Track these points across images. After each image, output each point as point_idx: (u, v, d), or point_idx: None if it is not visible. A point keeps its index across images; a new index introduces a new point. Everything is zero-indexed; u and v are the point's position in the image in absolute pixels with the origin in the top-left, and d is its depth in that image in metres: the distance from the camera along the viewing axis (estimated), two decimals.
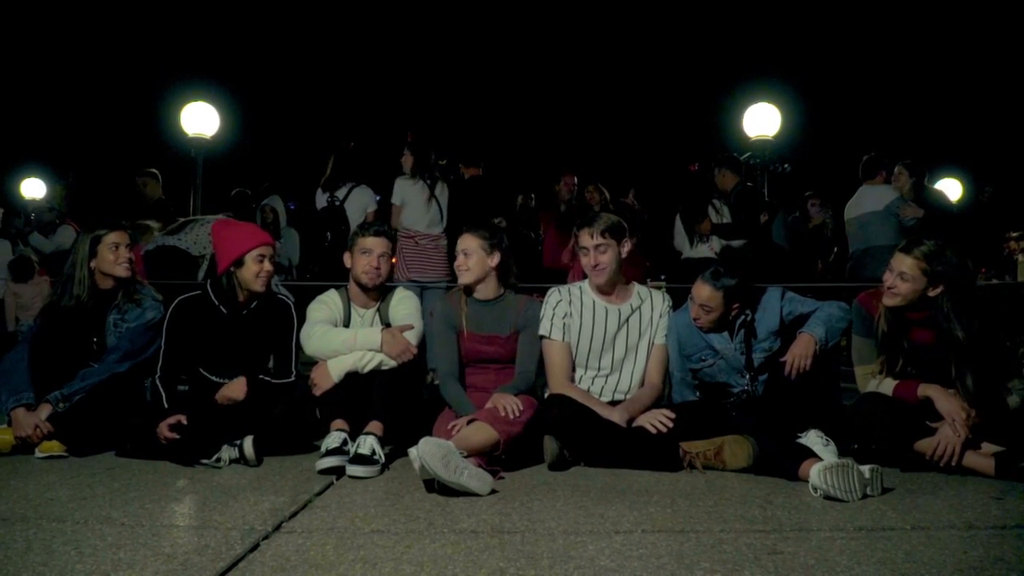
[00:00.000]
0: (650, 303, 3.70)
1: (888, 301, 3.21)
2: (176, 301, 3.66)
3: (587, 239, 3.57)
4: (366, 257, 3.60)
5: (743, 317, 3.51)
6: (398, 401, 3.28)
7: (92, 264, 3.70)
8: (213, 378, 3.57)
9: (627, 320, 3.65)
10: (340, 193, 6.48)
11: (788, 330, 3.48)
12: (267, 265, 3.59)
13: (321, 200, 6.59)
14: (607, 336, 3.62)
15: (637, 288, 3.74)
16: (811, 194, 8.03)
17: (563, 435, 3.19)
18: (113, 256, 3.69)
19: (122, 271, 3.71)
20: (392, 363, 3.38)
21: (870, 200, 6.21)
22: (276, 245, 3.74)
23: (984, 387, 3.08)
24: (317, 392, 3.39)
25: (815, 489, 2.59)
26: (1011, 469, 2.83)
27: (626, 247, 3.62)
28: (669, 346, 3.66)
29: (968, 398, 3.05)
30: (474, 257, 3.60)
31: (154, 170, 6.94)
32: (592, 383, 3.59)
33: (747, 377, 3.49)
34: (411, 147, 6.26)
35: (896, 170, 6.58)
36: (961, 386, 3.08)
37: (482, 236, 3.62)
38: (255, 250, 3.58)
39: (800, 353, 3.28)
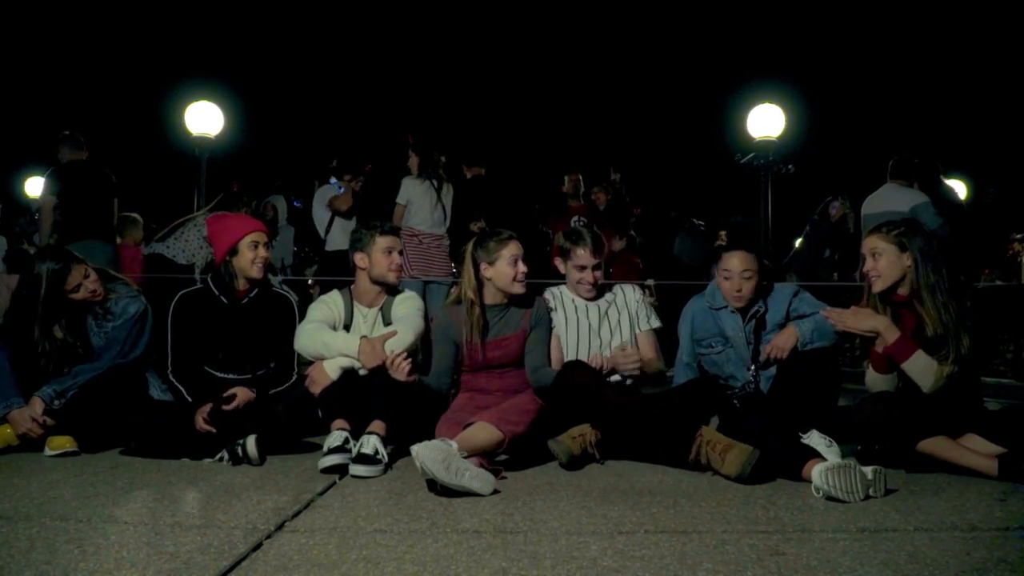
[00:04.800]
0: (623, 295, 3.86)
1: (876, 287, 3.16)
2: (178, 295, 3.73)
3: (587, 258, 3.70)
4: (387, 256, 3.65)
5: (757, 308, 3.55)
6: (400, 400, 3.28)
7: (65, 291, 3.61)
8: (218, 374, 3.60)
9: (606, 313, 3.78)
10: None
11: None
12: (261, 251, 3.68)
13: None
14: (591, 329, 3.73)
15: (620, 287, 3.92)
16: (830, 198, 8.02)
17: (581, 398, 3.20)
18: (80, 295, 3.63)
19: (98, 298, 3.68)
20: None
21: (895, 199, 6.08)
22: (267, 239, 3.80)
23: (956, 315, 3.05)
24: (315, 389, 3.41)
25: (817, 490, 2.59)
26: (1014, 471, 2.83)
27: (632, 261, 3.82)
28: (681, 331, 3.78)
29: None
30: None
31: None
32: None
33: (751, 369, 3.50)
34: (415, 148, 6.29)
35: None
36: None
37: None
38: (247, 237, 3.68)
39: (778, 344, 3.39)
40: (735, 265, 3.56)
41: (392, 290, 3.78)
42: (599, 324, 3.75)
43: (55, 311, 3.58)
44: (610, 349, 3.67)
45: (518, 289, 3.56)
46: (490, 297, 3.60)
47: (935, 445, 2.94)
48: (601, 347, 3.69)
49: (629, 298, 3.84)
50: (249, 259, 3.67)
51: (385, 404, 3.22)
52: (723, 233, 8.12)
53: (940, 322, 3.05)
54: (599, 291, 3.84)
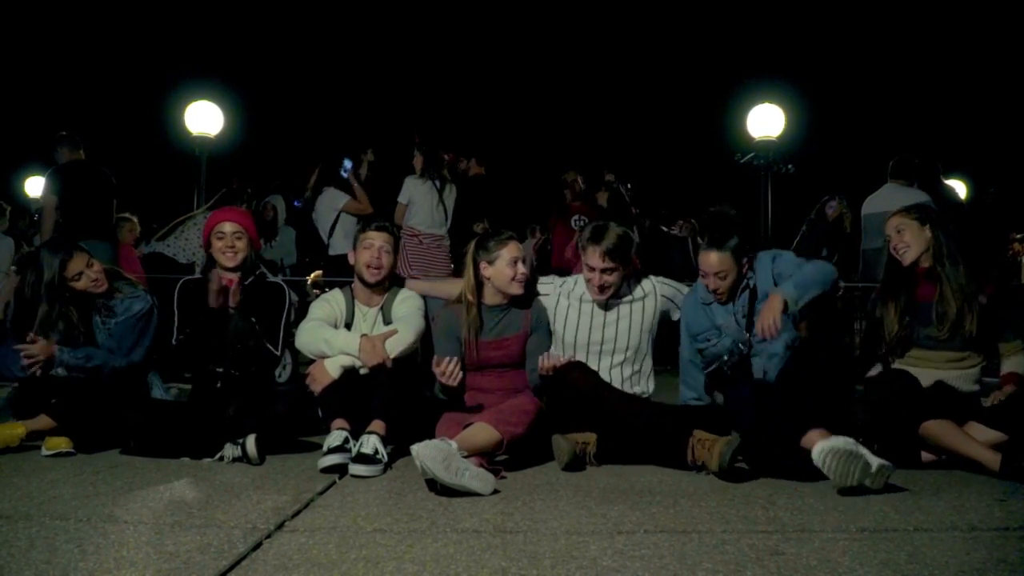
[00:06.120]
0: (653, 296, 3.70)
1: (907, 259, 3.41)
2: (181, 281, 3.83)
3: (596, 259, 3.51)
4: (368, 251, 3.64)
5: (746, 281, 3.50)
6: (400, 400, 3.28)
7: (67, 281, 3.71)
8: (216, 368, 3.62)
9: (618, 308, 3.65)
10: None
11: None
12: (228, 241, 3.70)
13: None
14: (593, 323, 3.64)
15: (638, 278, 3.74)
16: (827, 198, 8.03)
17: (579, 401, 3.18)
18: (82, 284, 3.71)
19: (99, 289, 3.75)
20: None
21: (896, 199, 5.92)
22: (243, 230, 3.78)
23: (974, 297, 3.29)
24: (316, 388, 3.41)
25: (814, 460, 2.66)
26: (1016, 468, 2.83)
27: (633, 263, 3.63)
28: (681, 328, 3.68)
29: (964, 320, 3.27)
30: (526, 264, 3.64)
31: None
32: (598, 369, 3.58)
33: (746, 339, 3.45)
34: (419, 148, 6.29)
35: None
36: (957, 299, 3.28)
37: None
38: (214, 228, 3.74)
39: (765, 317, 3.20)
40: (710, 265, 3.44)
41: (391, 289, 3.78)
42: (604, 318, 3.64)
43: (58, 297, 3.64)
44: (614, 343, 3.62)
45: (515, 290, 3.54)
46: (490, 297, 3.59)
47: (939, 427, 2.98)
48: (603, 341, 3.62)
49: (650, 299, 3.67)
50: (218, 249, 3.72)
51: (385, 404, 3.22)
52: (693, 223, 8.09)
53: (960, 284, 3.29)
54: (620, 291, 3.67)
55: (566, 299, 3.70)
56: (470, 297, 3.56)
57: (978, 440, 2.97)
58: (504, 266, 3.51)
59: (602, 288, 3.55)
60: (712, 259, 3.42)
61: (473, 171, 6.93)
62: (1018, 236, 8.97)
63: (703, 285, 3.57)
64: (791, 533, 2.19)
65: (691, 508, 2.47)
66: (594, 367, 3.55)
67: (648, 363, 3.73)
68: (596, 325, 3.65)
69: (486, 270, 3.54)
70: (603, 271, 3.51)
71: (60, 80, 16.12)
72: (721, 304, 3.54)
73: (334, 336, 3.53)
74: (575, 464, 3.10)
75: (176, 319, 3.69)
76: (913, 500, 2.57)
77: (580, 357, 3.60)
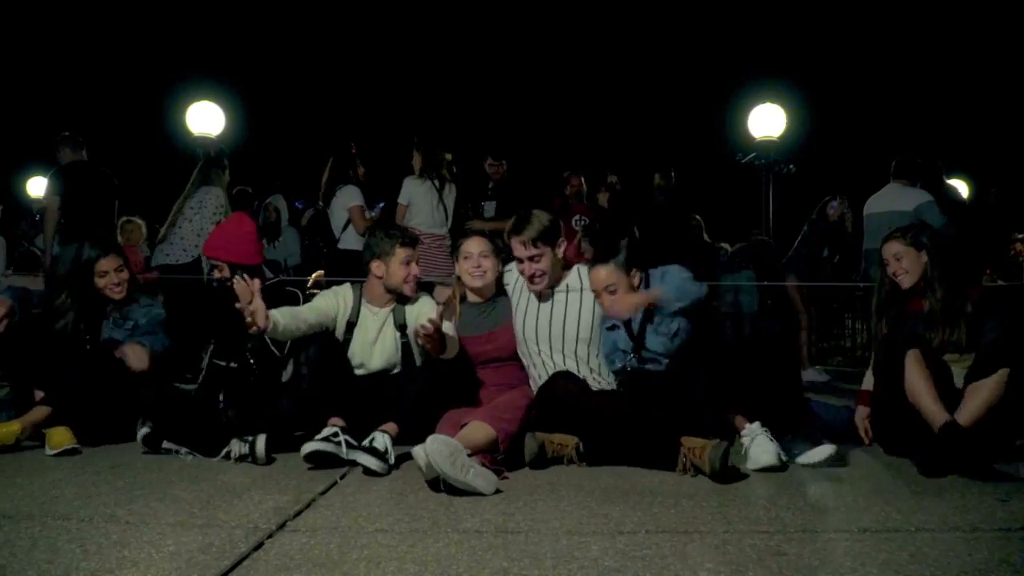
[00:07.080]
0: (579, 278, 3.63)
1: (905, 284, 3.49)
2: (219, 280, 3.96)
3: (520, 249, 3.51)
4: (407, 267, 3.56)
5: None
6: (421, 410, 3.24)
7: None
8: (221, 363, 3.65)
9: (565, 301, 3.60)
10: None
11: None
12: (216, 273, 3.84)
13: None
14: (540, 310, 3.60)
15: (577, 268, 3.68)
16: (828, 198, 8.02)
17: (565, 408, 3.18)
18: (104, 282, 3.85)
19: (115, 295, 3.88)
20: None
21: (899, 199, 6.05)
22: (221, 264, 3.83)
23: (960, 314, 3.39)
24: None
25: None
26: (932, 467, 2.90)
27: (561, 247, 3.59)
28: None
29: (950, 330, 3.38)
30: (490, 260, 3.64)
31: None
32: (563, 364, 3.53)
33: (631, 354, 3.43)
34: (418, 147, 6.27)
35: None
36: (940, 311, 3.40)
37: (492, 241, 3.70)
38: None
39: (626, 303, 3.23)
40: (599, 281, 3.41)
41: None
42: (552, 309, 3.58)
43: (78, 287, 3.81)
44: (563, 331, 3.54)
45: (473, 283, 3.60)
46: (471, 295, 3.65)
47: (914, 361, 3.10)
48: (551, 332, 3.56)
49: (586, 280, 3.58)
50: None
51: (405, 411, 3.20)
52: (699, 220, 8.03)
53: (947, 302, 3.40)
54: (562, 276, 3.62)
55: (520, 286, 3.68)
56: (456, 297, 3.63)
57: (934, 396, 3.01)
58: (463, 260, 3.62)
59: (533, 278, 3.53)
60: (600, 275, 3.40)
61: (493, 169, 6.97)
62: (1019, 236, 8.97)
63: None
64: (793, 533, 2.19)
65: (693, 508, 2.47)
66: (548, 360, 3.53)
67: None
68: (544, 314, 3.60)
69: (458, 269, 3.66)
70: (530, 259, 3.50)
71: (61, 80, 16.13)
72: (623, 322, 3.45)
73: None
74: (540, 462, 3.10)
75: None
76: (915, 500, 2.57)
77: (532, 348, 3.59)
